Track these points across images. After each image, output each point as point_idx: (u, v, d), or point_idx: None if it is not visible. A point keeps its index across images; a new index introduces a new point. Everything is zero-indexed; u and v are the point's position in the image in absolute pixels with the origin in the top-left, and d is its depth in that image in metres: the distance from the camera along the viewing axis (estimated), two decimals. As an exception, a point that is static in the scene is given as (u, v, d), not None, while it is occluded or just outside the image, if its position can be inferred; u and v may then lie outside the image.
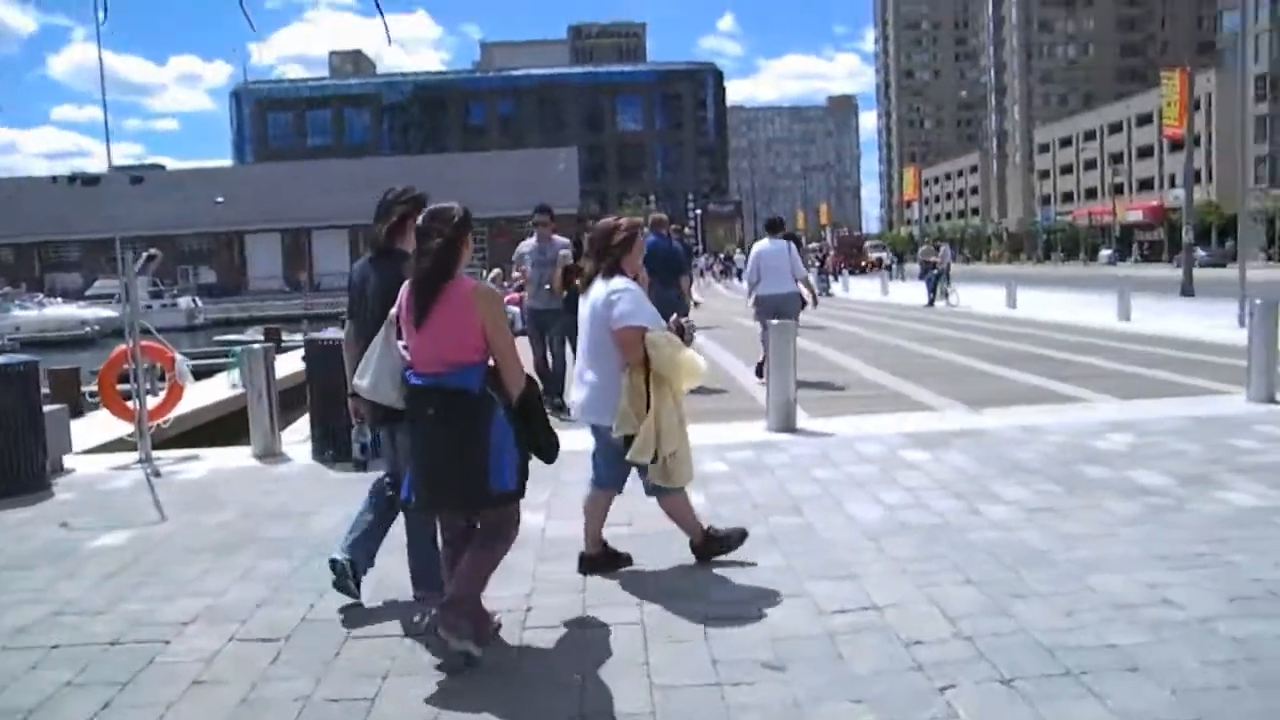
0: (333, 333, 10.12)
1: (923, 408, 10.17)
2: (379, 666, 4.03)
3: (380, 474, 4.79)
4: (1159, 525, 5.58)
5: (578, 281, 5.20)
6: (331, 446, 8.10)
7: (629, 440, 4.69)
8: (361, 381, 4.22)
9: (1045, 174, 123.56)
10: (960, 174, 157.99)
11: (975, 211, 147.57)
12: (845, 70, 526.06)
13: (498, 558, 4.14)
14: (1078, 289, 36.30)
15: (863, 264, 69.58)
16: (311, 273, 76.83)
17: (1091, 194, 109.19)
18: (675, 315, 5.18)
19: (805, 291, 12.39)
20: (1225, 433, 8.09)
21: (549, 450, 4.17)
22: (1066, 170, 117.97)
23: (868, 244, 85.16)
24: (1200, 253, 72.23)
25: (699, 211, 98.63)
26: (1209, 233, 79.85)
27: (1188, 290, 29.30)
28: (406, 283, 4.08)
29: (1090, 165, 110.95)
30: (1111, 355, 14.22)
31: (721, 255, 67.38)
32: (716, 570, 5.04)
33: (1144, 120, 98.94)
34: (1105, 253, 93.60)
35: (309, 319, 45.14)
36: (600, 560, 5.05)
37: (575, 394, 5.06)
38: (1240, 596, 4.43)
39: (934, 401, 10.50)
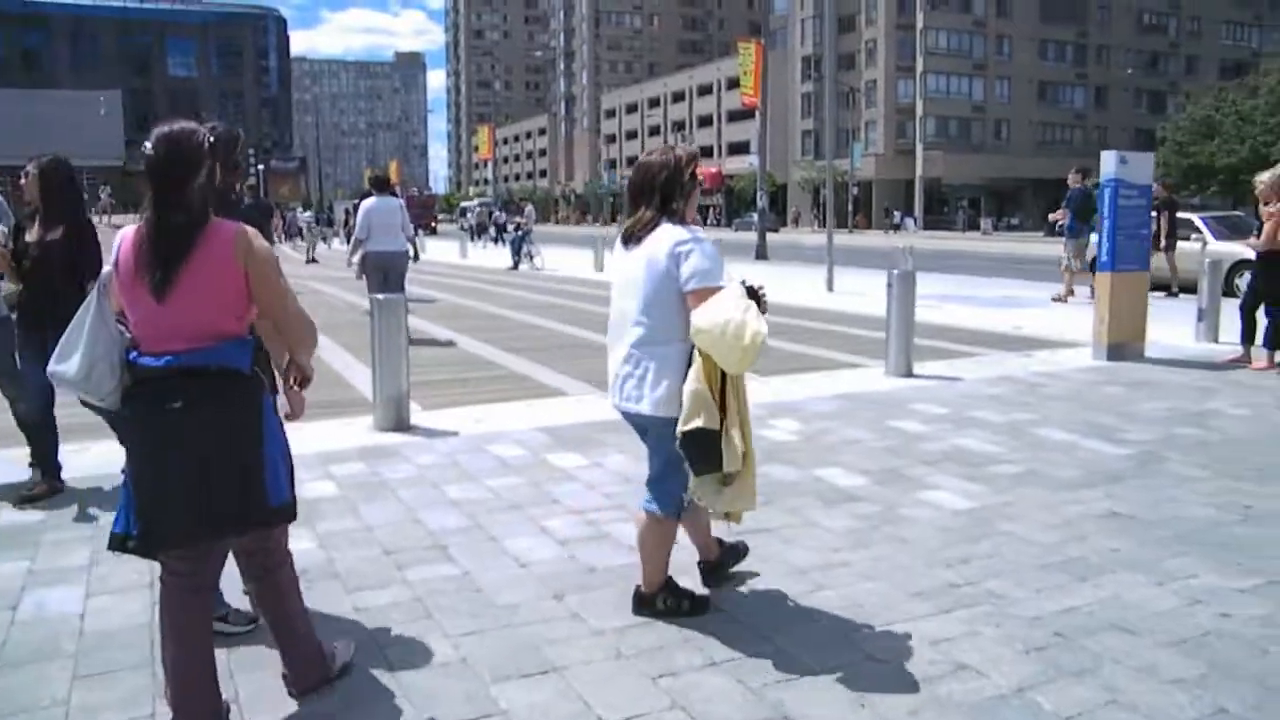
0: None
1: (554, 393, 8.91)
2: None
3: None
4: (888, 544, 4.68)
5: (619, 226, 3.89)
6: None
7: (692, 437, 3.44)
8: (63, 367, 3.00)
9: (611, 138, 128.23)
10: (529, 136, 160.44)
11: (544, 174, 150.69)
12: (411, 27, 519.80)
13: (294, 586, 3.28)
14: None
15: (433, 224, 67.99)
16: None
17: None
18: (744, 279, 3.66)
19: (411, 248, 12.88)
20: (885, 414, 7.64)
21: None
22: (632, 136, 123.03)
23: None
24: (753, 217, 78.14)
25: (261, 167, 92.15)
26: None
27: (761, 254, 30.69)
28: (123, 235, 3.02)
29: (654, 131, 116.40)
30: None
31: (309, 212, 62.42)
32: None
33: (705, 90, 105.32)
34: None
35: None
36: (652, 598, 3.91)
37: (622, 374, 3.75)
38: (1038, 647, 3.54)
39: (565, 385, 9.28)
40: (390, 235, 11.89)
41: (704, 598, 4.00)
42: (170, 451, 2.92)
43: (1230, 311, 11.02)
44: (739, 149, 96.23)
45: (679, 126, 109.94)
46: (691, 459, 3.51)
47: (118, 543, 3.07)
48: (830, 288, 18.20)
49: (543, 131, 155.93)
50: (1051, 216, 17.66)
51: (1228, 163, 48.02)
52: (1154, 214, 18.08)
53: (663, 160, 3.74)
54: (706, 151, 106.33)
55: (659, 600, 3.90)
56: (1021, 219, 72.31)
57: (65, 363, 3.00)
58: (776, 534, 4.91)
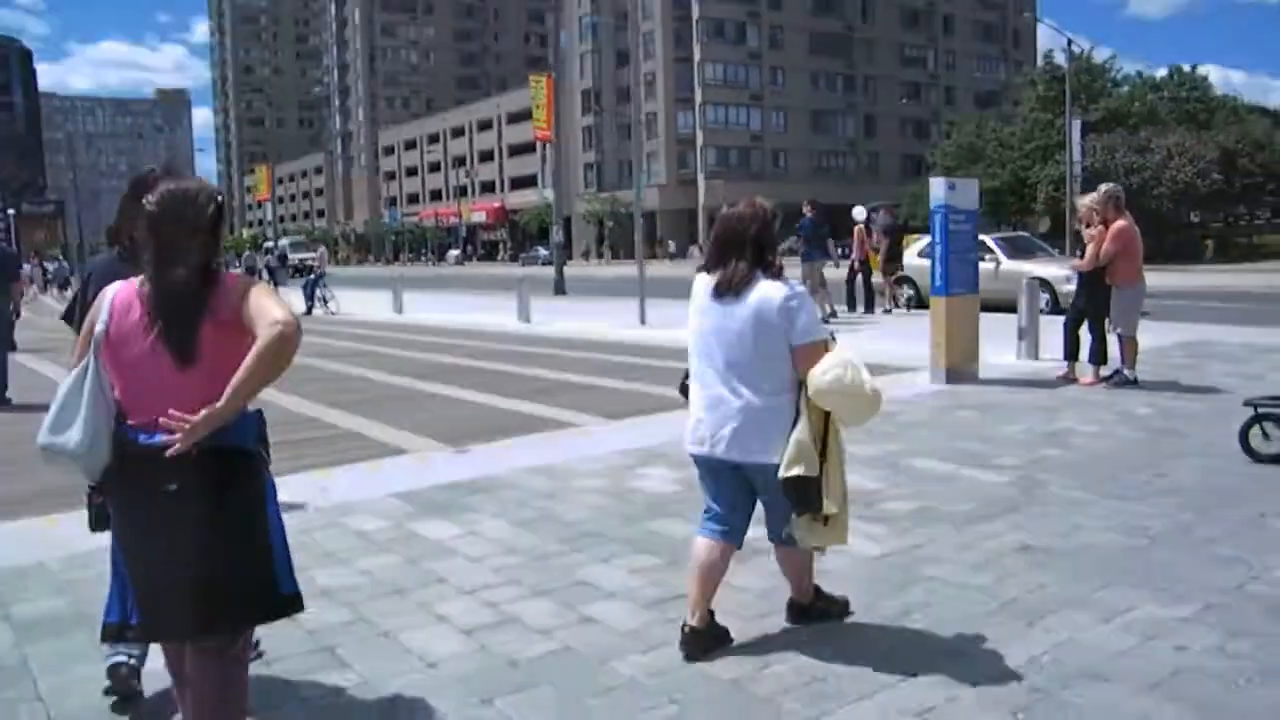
0: None
1: (394, 450, 8.23)
2: None
3: None
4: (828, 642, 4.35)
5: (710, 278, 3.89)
6: None
7: (793, 483, 3.65)
8: (63, 439, 2.73)
9: (391, 175, 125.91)
10: (305, 174, 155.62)
11: (321, 213, 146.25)
12: (171, 62, 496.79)
13: (245, 681, 3.00)
14: (444, 289, 36.50)
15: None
16: None
17: (437, 195, 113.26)
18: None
19: None
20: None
21: None
22: (412, 173, 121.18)
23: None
24: (541, 251, 78.08)
25: (12, 212, 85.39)
26: (545, 233, 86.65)
27: (560, 289, 30.40)
28: (115, 294, 2.86)
29: (435, 168, 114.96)
30: (551, 364, 13.41)
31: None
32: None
33: (485, 125, 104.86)
34: (453, 253, 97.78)
35: None
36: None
37: (714, 421, 3.84)
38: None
39: (403, 441, 8.61)
40: None
41: (846, 601, 4.27)
42: (171, 538, 2.71)
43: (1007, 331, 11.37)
44: (522, 183, 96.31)
45: (460, 162, 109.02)
46: (791, 501, 3.73)
47: (114, 632, 2.93)
48: (643, 320, 18.00)
49: (319, 170, 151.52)
50: (784, 245, 18.29)
51: (992, 185, 51.12)
52: (884, 238, 19.52)
53: (752, 213, 3.84)
54: (489, 186, 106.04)
55: (815, 608, 4.17)
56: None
57: (63, 435, 2.71)
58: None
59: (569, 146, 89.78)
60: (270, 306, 2.72)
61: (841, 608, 4.25)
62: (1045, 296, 15.95)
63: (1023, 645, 3.91)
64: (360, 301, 29.33)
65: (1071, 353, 10.16)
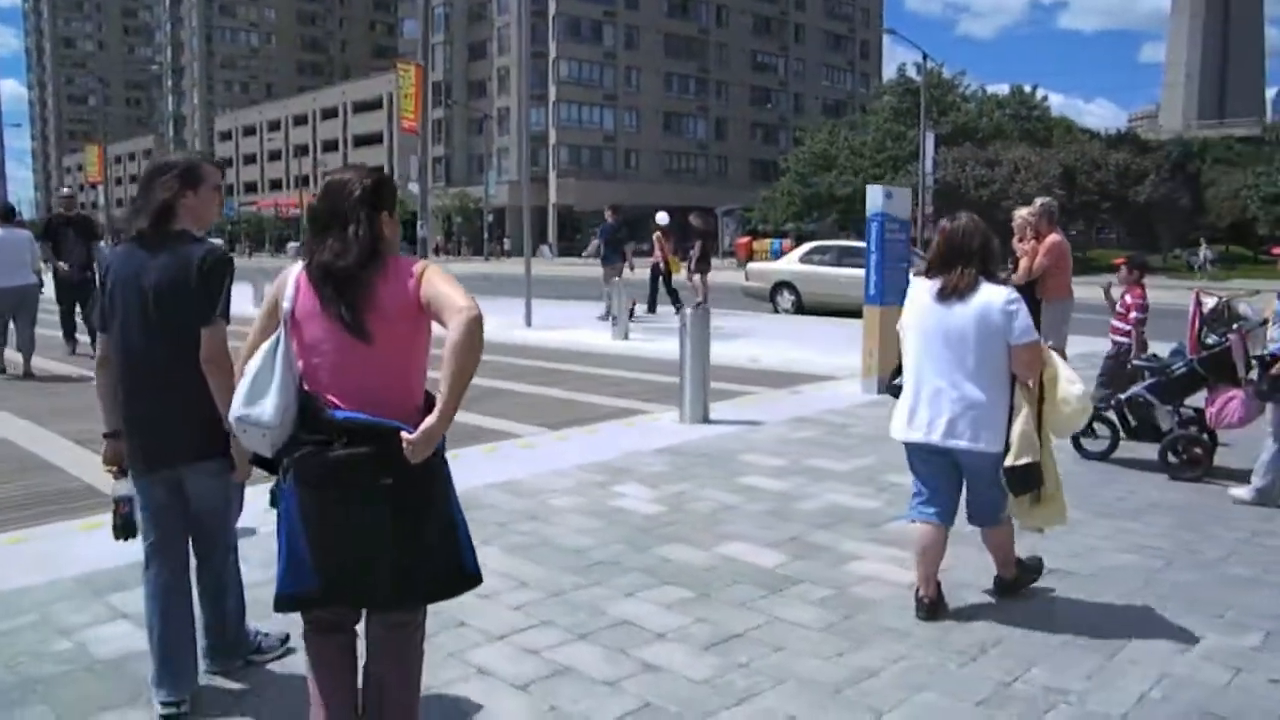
0: None
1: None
2: None
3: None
4: (887, 638, 4.07)
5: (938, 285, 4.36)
6: None
7: (1020, 470, 4.19)
8: (257, 411, 2.76)
9: (229, 162, 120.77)
10: (134, 157, 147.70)
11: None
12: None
13: (423, 652, 3.08)
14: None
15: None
16: None
17: (277, 185, 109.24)
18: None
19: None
20: (726, 470, 7.06)
21: None
22: (250, 160, 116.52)
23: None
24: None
25: None
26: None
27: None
28: (297, 274, 2.90)
29: (275, 156, 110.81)
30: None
31: None
32: None
33: (329, 114, 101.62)
34: (293, 245, 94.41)
35: None
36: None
37: (933, 411, 4.31)
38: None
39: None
40: (17, 270, 11.29)
41: (1039, 559, 4.81)
42: (375, 522, 2.79)
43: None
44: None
45: (302, 150, 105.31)
46: (1014, 487, 4.24)
47: (287, 603, 2.95)
48: (529, 322, 17.41)
49: (148, 153, 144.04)
50: (585, 252, 21.98)
51: (845, 192, 52.44)
52: (697, 241, 20.64)
53: (975, 227, 4.38)
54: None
55: (1021, 579, 4.67)
56: (651, 245, 75.33)
57: (256, 407, 2.77)
58: (749, 638, 4.16)
59: (417, 139, 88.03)
60: (451, 293, 2.77)
61: (1037, 566, 4.75)
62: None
63: (1123, 682, 3.76)
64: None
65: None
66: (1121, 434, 7.44)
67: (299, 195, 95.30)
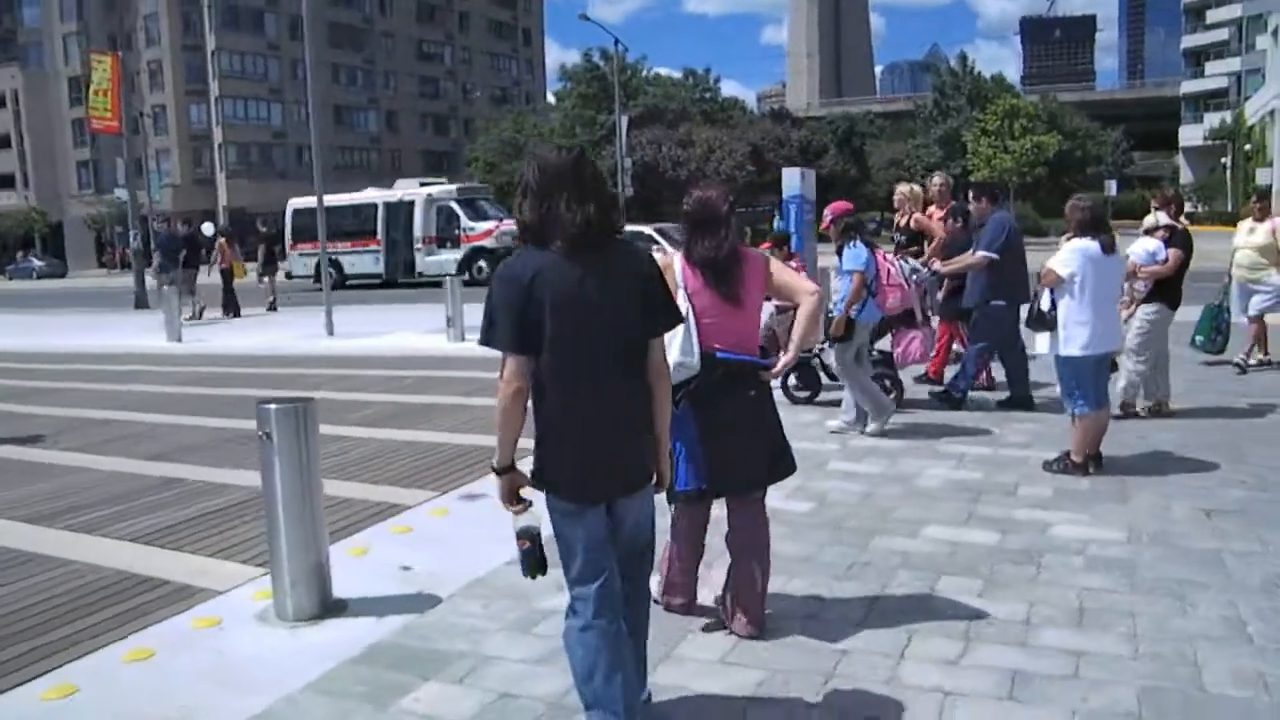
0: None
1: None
2: None
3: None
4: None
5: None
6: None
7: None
8: (689, 359, 3.95)
9: None
10: None
11: None
12: None
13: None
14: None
15: None
16: None
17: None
18: None
19: None
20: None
21: None
22: None
23: None
24: (35, 261, 68.70)
25: None
26: (34, 242, 76.50)
27: (143, 302, 27.00)
28: (680, 264, 4.12)
29: None
30: (322, 383, 11.81)
31: None
32: None
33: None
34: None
35: None
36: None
37: (1096, 332, 6.15)
38: None
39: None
40: None
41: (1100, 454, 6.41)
42: (753, 423, 4.10)
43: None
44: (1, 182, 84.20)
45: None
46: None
47: (685, 498, 4.06)
48: (330, 331, 16.36)
49: None
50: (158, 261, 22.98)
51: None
52: (261, 245, 22.73)
53: (1093, 204, 6.60)
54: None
55: (1090, 463, 6.30)
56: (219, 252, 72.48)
57: (690, 355, 3.92)
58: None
59: (55, 141, 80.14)
60: (799, 280, 4.64)
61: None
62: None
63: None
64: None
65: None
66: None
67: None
